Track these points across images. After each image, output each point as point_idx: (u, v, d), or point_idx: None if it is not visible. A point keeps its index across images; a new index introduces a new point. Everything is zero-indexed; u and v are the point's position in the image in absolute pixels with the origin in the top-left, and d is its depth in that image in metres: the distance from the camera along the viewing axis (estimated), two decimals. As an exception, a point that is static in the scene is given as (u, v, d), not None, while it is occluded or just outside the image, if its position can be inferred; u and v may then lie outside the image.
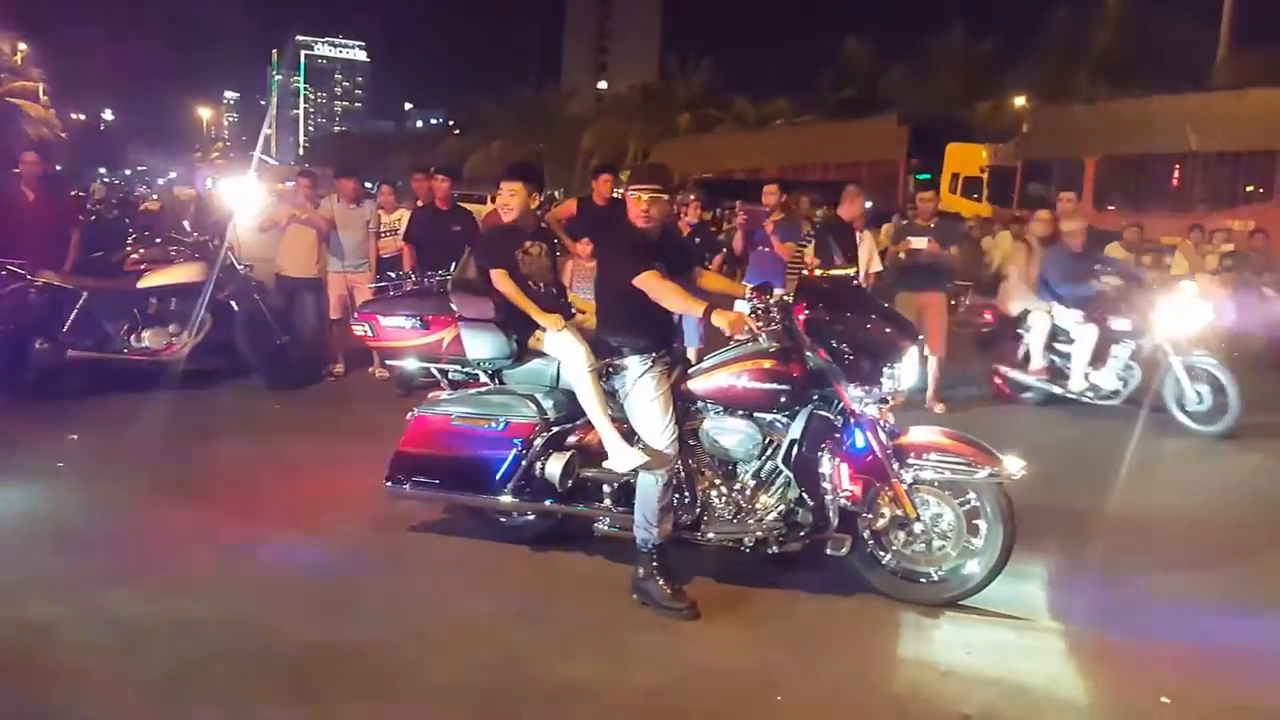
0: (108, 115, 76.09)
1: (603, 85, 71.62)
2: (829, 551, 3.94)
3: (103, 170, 49.27)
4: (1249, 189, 17.86)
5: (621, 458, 4.01)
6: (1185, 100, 19.42)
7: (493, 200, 9.07)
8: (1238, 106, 17.96)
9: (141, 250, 8.06)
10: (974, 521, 3.95)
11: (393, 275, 5.20)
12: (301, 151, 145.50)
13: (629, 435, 4.09)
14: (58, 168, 7.38)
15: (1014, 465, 3.84)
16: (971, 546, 3.95)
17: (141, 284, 7.34)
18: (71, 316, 7.07)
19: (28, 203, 7.44)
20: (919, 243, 7.61)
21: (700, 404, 4.11)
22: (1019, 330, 7.93)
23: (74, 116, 53.43)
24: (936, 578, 4.01)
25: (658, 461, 3.92)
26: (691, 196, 7.99)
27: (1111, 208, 18.50)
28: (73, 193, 15.82)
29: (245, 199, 8.44)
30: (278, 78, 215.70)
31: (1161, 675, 3.52)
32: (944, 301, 7.74)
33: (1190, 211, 16.71)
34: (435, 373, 4.55)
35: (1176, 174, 19.32)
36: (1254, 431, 7.51)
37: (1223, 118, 17.92)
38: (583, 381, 4.08)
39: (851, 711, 3.26)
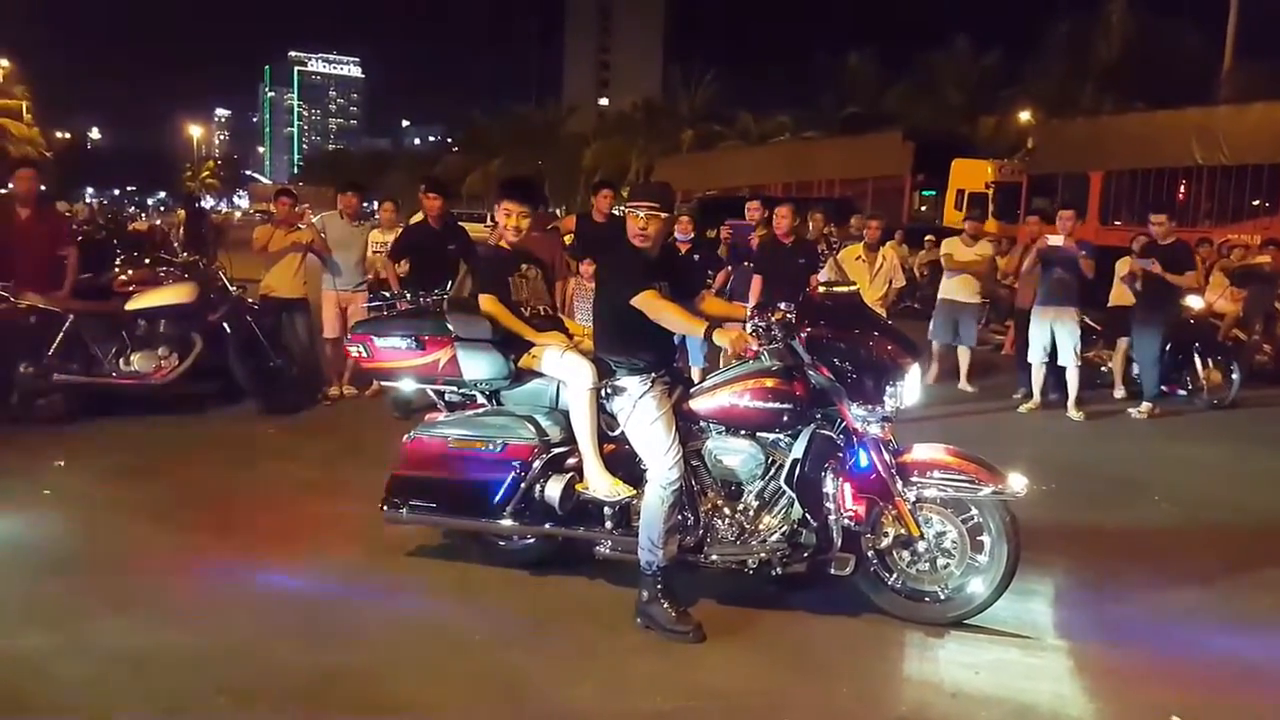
0: (95, 134, 75.86)
1: (604, 102, 71.85)
2: (833, 572, 3.91)
3: (90, 190, 49.05)
4: (1255, 203, 17.80)
5: (598, 484, 4.03)
6: (1190, 114, 19.38)
7: (493, 219, 9.11)
8: (1242, 120, 17.93)
9: (130, 271, 7.91)
10: (978, 538, 3.92)
11: (387, 295, 5.15)
12: (296, 170, 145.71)
13: (629, 456, 4.05)
14: (42, 187, 7.21)
15: (1017, 482, 3.81)
16: (976, 564, 3.92)
17: (130, 306, 7.17)
18: (57, 340, 6.90)
19: (21, 222, 7.24)
20: (1057, 239, 7.97)
21: (703, 424, 4.07)
22: None
23: (59, 135, 53.26)
24: (942, 596, 3.97)
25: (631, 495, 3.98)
26: (684, 215, 8.05)
27: (1118, 222, 18.46)
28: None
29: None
30: (270, 95, 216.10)
31: (1171, 693, 3.49)
32: (1075, 315, 8.11)
33: (1196, 225, 16.66)
34: (432, 394, 4.49)
35: (1182, 188, 19.27)
36: (1259, 441, 7.46)
37: (1227, 131, 17.90)
38: (580, 402, 4.04)
39: (858, 735, 3.21)
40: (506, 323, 4.24)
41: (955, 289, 9.08)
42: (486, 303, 4.28)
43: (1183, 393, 8.87)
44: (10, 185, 7.31)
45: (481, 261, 4.58)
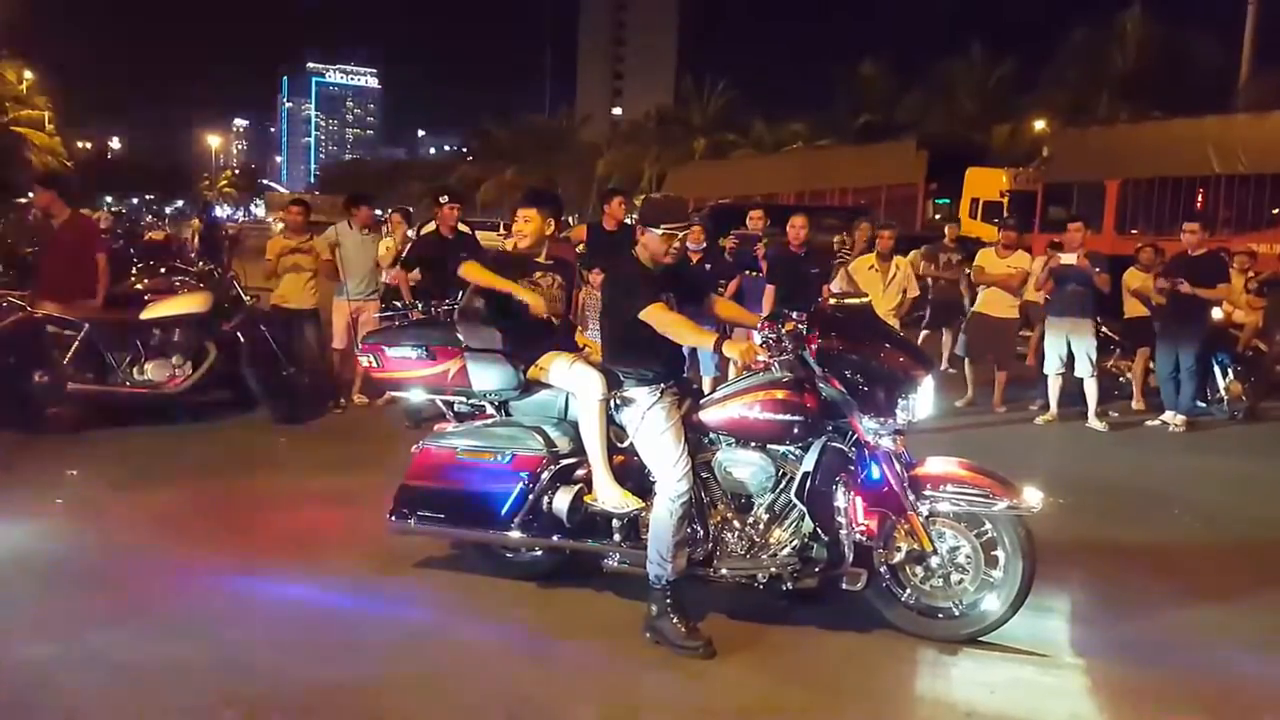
0: (115, 144, 76.86)
1: (618, 111, 71.98)
2: (844, 587, 3.84)
3: (109, 199, 49.53)
4: (1275, 212, 17.62)
5: (607, 495, 3.99)
6: (1207, 122, 19.21)
7: (507, 228, 9.11)
8: (1260, 128, 17.77)
9: (145, 281, 7.98)
10: (993, 553, 3.86)
11: (398, 305, 5.16)
12: (313, 179, 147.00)
13: (638, 468, 4.01)
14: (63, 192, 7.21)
15: (1033, 497, 3.75)
16: (991, 579, 3.86)
17: (145, 315, 7.20)
18: (73, 348, 6.93)
19: (53, 232, 7.43)
20: (1069, 258, 7.91)
21: (713, 436, 4.02)
22: None
23: (80, 145, 53.71)
24: (956, 613, 3.90)
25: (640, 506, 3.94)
26: (696, 225, 8.02)
27: (1134, 231, 18.31)
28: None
29: None
30: (288, 105, 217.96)
31: (1190, 713, 3.42)
32: (1090, 327, 8.06)
33: (1215, 235, 16.49)
34: (441, 405, 4.48)
35: (1200, 197, 19.11)
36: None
37: (1245, 140, 17.74)
38: (590, 413, 4.01)
39: (869, 756, 3.16)
40: (485, 281, 4.22)
41: (990, 303, 8.62)
42: (465, 268, 4.27)
43: (1202, 404, 8.75)
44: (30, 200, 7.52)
45: (487, 261, 4.53)
